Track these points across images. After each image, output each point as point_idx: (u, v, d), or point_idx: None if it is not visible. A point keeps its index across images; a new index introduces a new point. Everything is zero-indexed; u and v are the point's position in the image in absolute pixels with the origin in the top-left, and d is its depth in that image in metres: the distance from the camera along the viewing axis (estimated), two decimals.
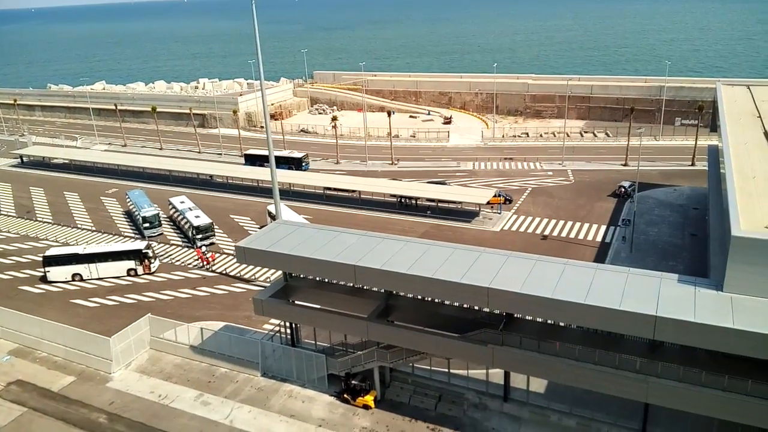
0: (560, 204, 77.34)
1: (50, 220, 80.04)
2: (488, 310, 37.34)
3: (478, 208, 74.82)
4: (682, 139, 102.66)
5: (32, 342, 48.32)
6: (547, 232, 68.53)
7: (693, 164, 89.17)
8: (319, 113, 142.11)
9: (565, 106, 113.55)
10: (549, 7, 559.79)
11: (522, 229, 69.90)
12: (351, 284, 41.47)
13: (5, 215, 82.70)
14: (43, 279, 60.79)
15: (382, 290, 40.67)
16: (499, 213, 74.38)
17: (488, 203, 73.21)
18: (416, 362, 40.57)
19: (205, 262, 63.81)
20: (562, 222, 71.14)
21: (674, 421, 34.79)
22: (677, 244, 63.33)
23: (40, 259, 61.36)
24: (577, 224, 70.24)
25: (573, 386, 35.74)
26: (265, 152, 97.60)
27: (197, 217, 70.07)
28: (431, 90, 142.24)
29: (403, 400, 40.26)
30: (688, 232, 65.79)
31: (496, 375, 39.54)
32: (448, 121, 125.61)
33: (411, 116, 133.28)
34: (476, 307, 38.29)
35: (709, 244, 47.33)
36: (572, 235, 67.40)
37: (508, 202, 76.50)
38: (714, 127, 69.62)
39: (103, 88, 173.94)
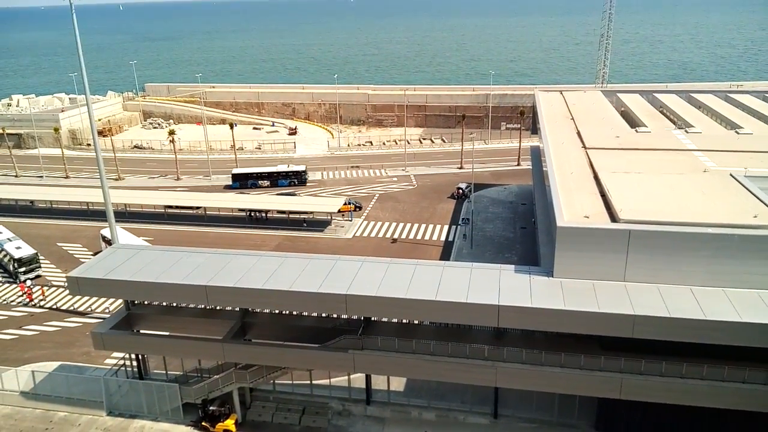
0: (406, 208, 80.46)
1: None
2: (346, 316, 37.69)
3: (329, 217, 75.35)
4: (508, 142, 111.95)
5: None
6: (396, 236, 70.92)
7: (519, 164, 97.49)
8: (154, 127, 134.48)
9: (404, 115, 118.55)
10: (380, 20, 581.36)
11: (373, 235, 71.65)
12: (203, 306, 39.69)
13: None
14: None
15: (237, 309, 39.34)
16: (350, 220, 75.58)
17: (339, 211, 74.07)
18: (277, 378, 39.76)
19: (29, 298, 57.16)
20: (409, 225, 74.05)
21: (521, 400, 37.65)
22: (510, 237, 68.80)
23: None
24: (423, 226, 73.58)
25: (430, 380, 37.30)
26: (256, 170, 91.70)
27: (18, 248, 62.72)
28: (274, 101, 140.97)
29: (266, 418, 39.23)
30: (518, 226, 71.76)
31: (358, 380, 40.05)
32: (293, 131, 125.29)
33: (255, 128, 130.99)
34: (334, 315, 38.47)
35: (538, 236, 52.02)
36: (419, 237, 70.42)
37: (358, 209, 78.06)
38: (535, 129, 76.86)
39: None
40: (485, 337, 36.29)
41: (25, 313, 55.14)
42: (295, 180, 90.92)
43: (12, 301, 57.50)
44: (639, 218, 34.13)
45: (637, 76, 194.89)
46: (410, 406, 39.41)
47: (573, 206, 37.73)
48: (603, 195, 39.53)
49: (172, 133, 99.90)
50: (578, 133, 56.92)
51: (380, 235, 71.58)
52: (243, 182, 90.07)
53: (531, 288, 33.06)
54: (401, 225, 74.16)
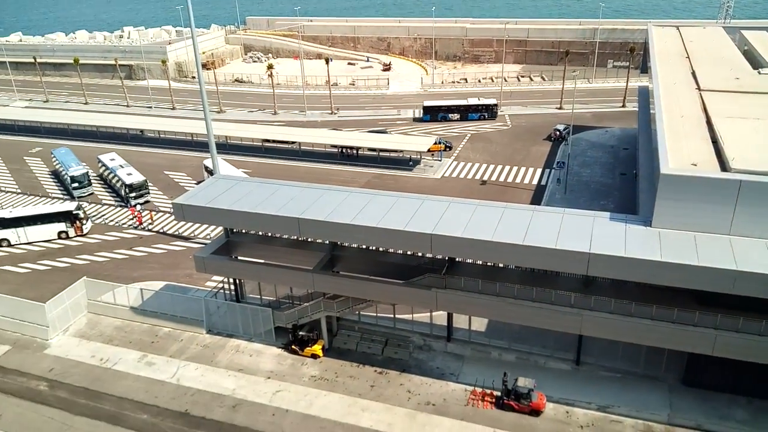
0: (498, 149, 78.51)
1: None
2: (431, 255, 37.97)
3: (419, 156, 75.05)
4: (614, 81, 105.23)
5: None
6: (486, 178, 69.71)
7: (624, 105, 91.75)
8: (254, 61, 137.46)
9: (502, 51, 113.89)
10: None
11: (462, 176, 70.82)
12: (295, 237, 41.28)
13: None
14: None
15: (327, 242, 40.62)
16: (440, 160, 74.92)
17: (429, 151, 73.49)
18: (362, 310, 41.14)
19: (138, 222, 61.79)
20: (500, 167, 72.42)
21: (606, 350, 36.85)
22: (608, 183, 65.71)
23: None
24: (515, 168, 71.71)
25: (512, 323, 37.23)
26: (447, 102, 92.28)
27: (129, 174, 67.37)
28: (370, 35, 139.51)
29: (351, 347, 40.94)
30: (618, 172, 68.26)
31: (440, 317, 40.66)
32: (387, 67, 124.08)
33: (349, 63, 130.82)
34: (420, 254, 38.87)
35: (638, 183, 49.30)
36: (510, 179, 68.83)
37: (448, 149, 77.08)
38: (644, 68, 71.68)
39: (20, 40, 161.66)
40: (572, 283, 35.52)
41: (135, 236, 59.76)
42: (485, 113, 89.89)
43: (123, 224, 62.41)
44: (752, 168, 31.44)
45: (765, 11, 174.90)
46: (490, 347, 39.72)
47: (680, 152, 35.27)
48: (714, 142, 36.62)
49: (270, 67, 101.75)
50: (693, 74, 52.45)
51: (469, 176, 70.60)
52: (433, 115, 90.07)
53: (626, 237, 31.66)
54: (492, 167, 72.65)
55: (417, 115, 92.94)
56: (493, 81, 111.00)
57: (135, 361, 40.74)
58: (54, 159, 75.34)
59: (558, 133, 79.87)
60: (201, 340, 42.58)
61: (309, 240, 41.75)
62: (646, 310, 32.09)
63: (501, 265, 37.77)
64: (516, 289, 34.82)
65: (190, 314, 43.79)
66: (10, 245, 57.73)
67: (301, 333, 40.55)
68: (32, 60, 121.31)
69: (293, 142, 79.93)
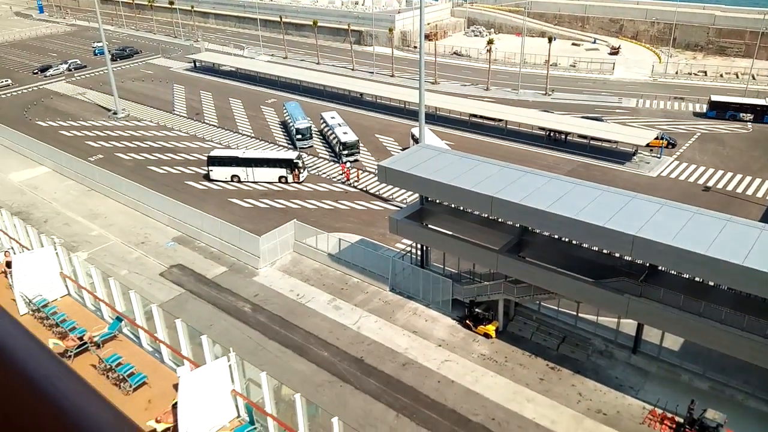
0: (731, 154, 69.45)
1: (215, 124, 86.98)
2: (630, 258, 35.36)
3: (635, 150, 69.47)
4: None
5: (193, 232, 54.17)
6: (710, 184, 62.33)
7: None
8: (475, 35, 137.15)
9: (755, 44, 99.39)
10: None
11: (682, 177, 64.13)
12: (485, 215, 41.22)
13: (178, 115, 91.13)
14: (206, 177, 66.72)
15: (517, 225, 39.92)
16: (659, 157, 68.54)
17: (648, 145, 67.63)
18: (543, 301, 39.98)
19: (346, 177, 66.26)
20: (730, 174, 64.14)
21: None
22: None
23: (205, 158, 67.30)
24: (748, 178, 62.99)
25: (712, 349, 33.39)
26: (741, 100, 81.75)
27: (345, 133, 72.05)
28: (601, 16, 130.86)
29: (525, 335, 40.13)
30: None
31: (628, 325, 37.91)
32: (615, 51, 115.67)
33: (574, 44, 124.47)
34: (617, 254, 36.42)
35: None
36: (740, 190, 60.70)
37: (671, 146, 70.13)
38: None
39: (270, 0, 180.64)
40: None
41: (342, 190, 64.26)
42: None
43: (333, 178, 67.48)
44: None
45: None
46: (681, 369, 36.15)
47: None
48: None
49: (490, 42, 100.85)
50: None
51: (691, 179, 63.62)
52: (721, 112, 79.76)
53: None
54: (720, 173, 64.58)
55: (699, 110, 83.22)
56: (738, 77, 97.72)
57: (325, 302, 44.49)
58: (284, 111, 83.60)
59: None
60: (384, 296, 44.96)
61: (499, 220, 41.39)
62: None
63: (711, 283, 33.91)
64: (724, 312, 31.06)
65: (378, 270, 46.43)
66: (239, 181, 65.90)
67: (477, 310, 40.69)
68: (278, 19, 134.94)
69: (500, 120, 78.87)
